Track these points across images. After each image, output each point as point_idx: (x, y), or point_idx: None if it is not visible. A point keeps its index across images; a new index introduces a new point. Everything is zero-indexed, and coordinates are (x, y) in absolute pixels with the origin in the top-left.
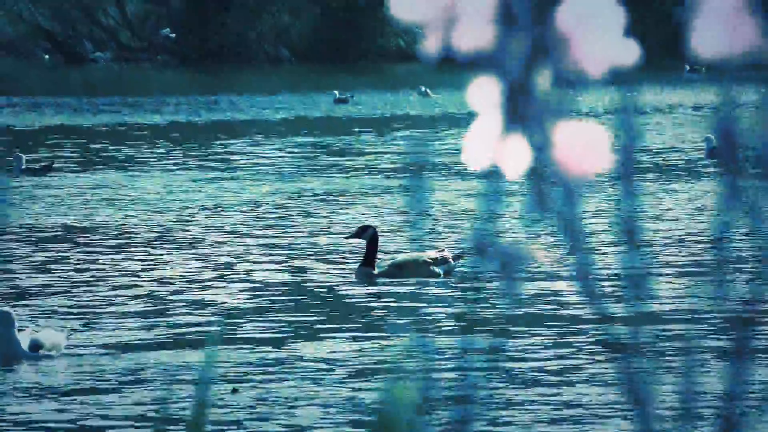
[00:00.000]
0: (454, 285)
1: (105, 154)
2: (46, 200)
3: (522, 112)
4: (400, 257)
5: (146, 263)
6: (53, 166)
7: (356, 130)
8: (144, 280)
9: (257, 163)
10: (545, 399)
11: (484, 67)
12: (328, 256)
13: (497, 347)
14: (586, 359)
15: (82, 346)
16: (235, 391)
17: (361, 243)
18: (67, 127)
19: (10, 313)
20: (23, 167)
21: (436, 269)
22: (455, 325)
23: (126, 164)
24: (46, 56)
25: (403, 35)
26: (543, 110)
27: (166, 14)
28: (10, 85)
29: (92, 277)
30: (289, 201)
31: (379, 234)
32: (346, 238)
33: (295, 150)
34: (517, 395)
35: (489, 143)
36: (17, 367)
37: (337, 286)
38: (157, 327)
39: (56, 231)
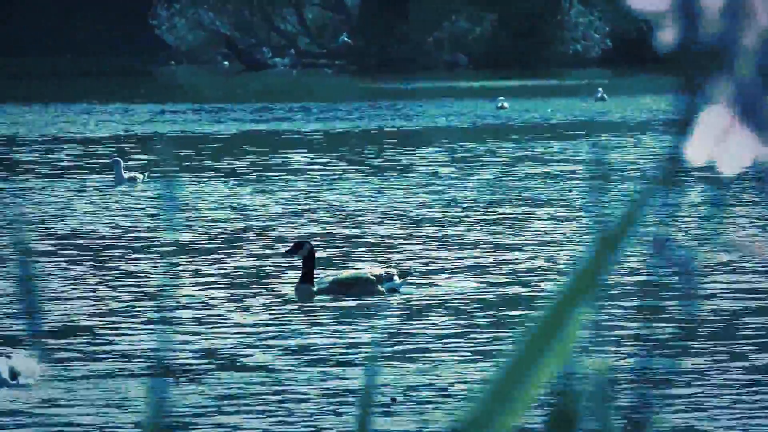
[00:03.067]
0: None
1: (263, 161)
2: (140, 208)
3: (753, 108)
4: (343, 273)
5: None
6: (151, 173)
7: (530, 137)
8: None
9: (424, 171)
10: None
11: (718, 58)
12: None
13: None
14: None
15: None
16: (394, 400)
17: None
18: (243, 134)
19: None
20: (124, 175)
21: (380, 287)
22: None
23: (280, 172)
24: (226, 63)
25: (580, 40)
26: None
27: (345, 20)
28: (190, 93)
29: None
30: (469, 213)
31: (315, 250)
32: (282, 255)
33: (460, 155)
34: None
35: (714, 137)
36: None
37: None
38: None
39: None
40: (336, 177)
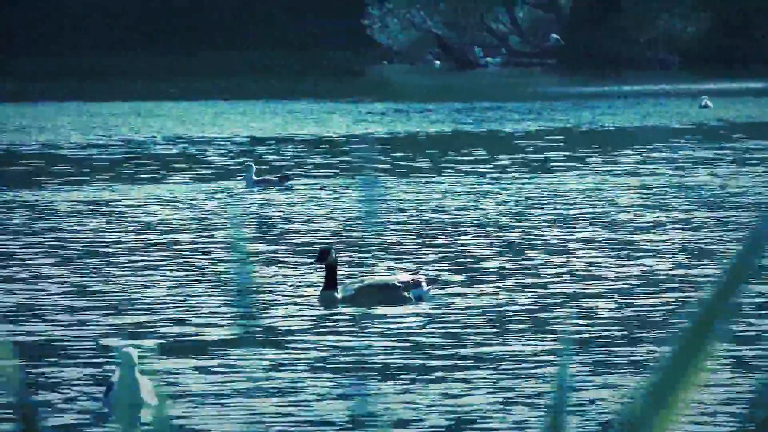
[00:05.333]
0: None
1: (471, 159)
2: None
3: None
4: (368, 280)
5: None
6: (290, 176)
7: (730, 136)
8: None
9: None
10: None
11: None
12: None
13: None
14: None
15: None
16: (592, 402)
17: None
18: (454, 133)
19: (132, 353)
20: (255, 178)
21: (407, 294)
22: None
23: (491, 170)
24: (437, 62)
25: None
26: None
27: (556, 20)
28: (401, 91)
29: None
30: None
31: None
32: (311, 263)
33: (657, 155)
34: None
35: None
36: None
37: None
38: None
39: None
40: (531, 175)
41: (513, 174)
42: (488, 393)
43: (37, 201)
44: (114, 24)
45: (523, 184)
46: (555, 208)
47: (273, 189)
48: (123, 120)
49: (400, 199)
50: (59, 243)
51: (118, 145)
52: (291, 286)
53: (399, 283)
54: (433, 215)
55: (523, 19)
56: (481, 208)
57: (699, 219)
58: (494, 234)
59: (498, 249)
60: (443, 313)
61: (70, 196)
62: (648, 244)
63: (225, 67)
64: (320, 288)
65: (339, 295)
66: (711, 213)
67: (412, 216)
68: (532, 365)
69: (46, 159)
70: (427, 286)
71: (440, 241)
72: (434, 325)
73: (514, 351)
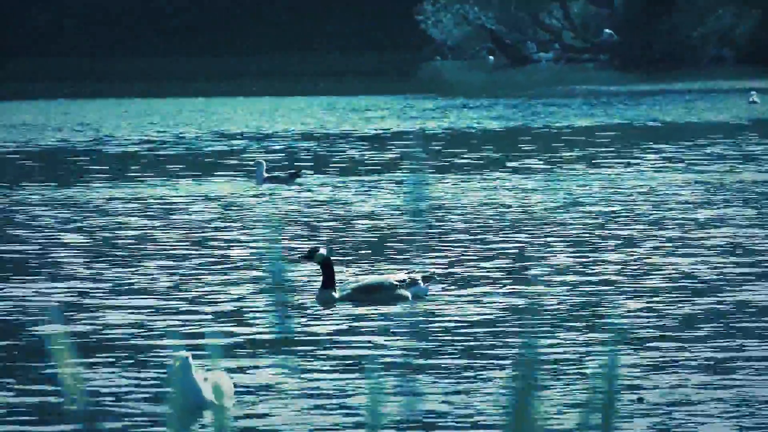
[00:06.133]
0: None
1: (525, 155)
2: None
3: None
4: (365, 279)
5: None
6: (300, 173)
7: None
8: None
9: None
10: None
11: None
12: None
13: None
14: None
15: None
16: (641, 400)
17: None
18: (507, 130)
19: (188, 357)
20: (265, 175)
21: (404, 292)
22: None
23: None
24: (491, 58)
25: None
26: None
27: (609, 15)
28: (455, 87)
29: None
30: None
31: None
32: (297, 261)
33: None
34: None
35: None
36: (199, 416)
37: None
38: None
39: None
40: (583, 171)
41: (566, 170)
42: (501, 391)
43: (81, 198)
44: (174, 27)
45: (575, 180)
46: (607, 205)
47: (281, 185)
48: (189, 117)
49: (450, 195)
50: (109, 240)
51: (172, 142)
52: (294, 284)
53: (396, 281)
54: (483, 210)
55: (577, 14)
56: (532, 204)
57: (745, 216)
58: (545, 229)
59: (547, 244)
60: (449, 311)
61: (113, 193)
62: (698, 241)
63: (283, 68)
64: (318, 287)
65: (336, 295)
66: (758, 210)
67: (458, 212)
68: (561, 362)
69: (93, 156)
70: (424, 283)
71: (490, 237)
72: (440, 323)
73: (555, 349)
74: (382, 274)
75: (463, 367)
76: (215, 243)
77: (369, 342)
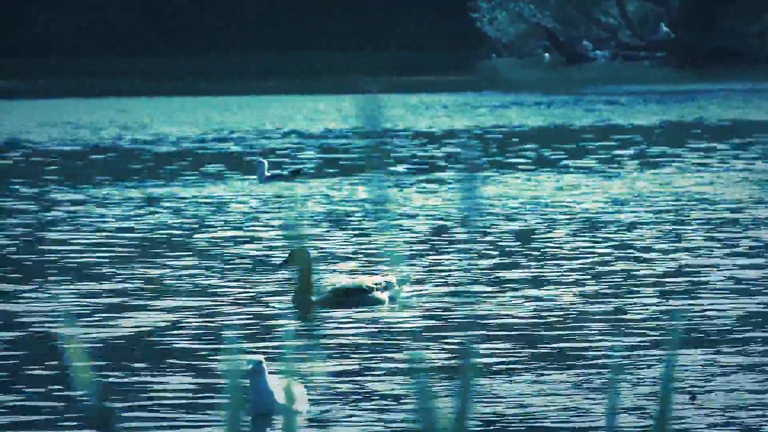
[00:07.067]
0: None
1: (584, 153)
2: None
3: None
4: (342, 282)
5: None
6: (300, 171)
7: None
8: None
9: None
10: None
11: None
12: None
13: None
14: None
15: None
16: (693, 398)
17: None
18: (553, 127)
19: (262, 361)
20: (267, 174)
21: (380, 295)
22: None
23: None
24: (546, 55)
25: None
26: None
27: (666, 12)
28: (511, 84)
29: None
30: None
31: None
32: (279, 265)
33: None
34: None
35: None
36: (271, 422)
37: None
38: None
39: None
40: (638, 169)
41: (622, 168)
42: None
43: (135, 195)
44: (218, 24)
45: (630, 177)
46: (659, 203)
47: (281, 182)
48: (228, 115)
49: (503, 194)
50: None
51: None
52: (261, 289)
53: (372, 284)
54: (534, 209)
55: (633, 12)
56: (587, 202)
57: None
58: (596, 228)
59: (597, 244)
60: (425, 314)
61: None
62: (756, 241)
63: (339, 66)
64: (294, 291)
65: (314, 298)
66: None
67: (507, 211)
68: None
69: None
70: (397, 286)
71: (533, 237)
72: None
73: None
74: (356, 276)
75: (528, 368)
76: (243, 243)
77: (428, 344)
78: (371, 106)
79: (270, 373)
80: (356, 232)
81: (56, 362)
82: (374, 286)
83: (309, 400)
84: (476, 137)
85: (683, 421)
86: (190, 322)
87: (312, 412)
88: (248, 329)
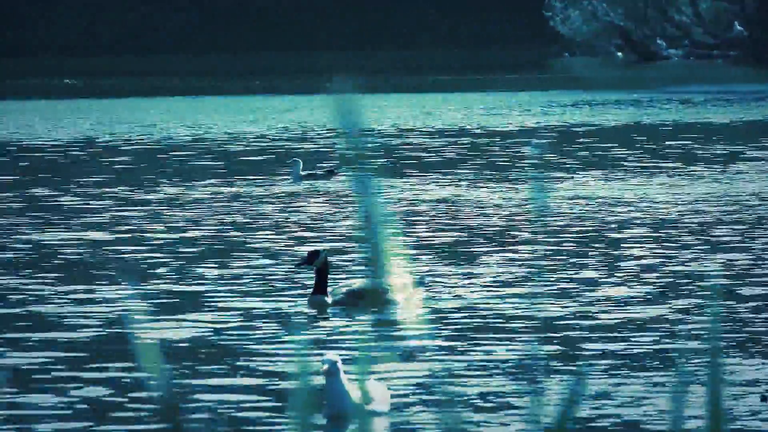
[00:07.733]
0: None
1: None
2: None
3: None
4: (357, 284)
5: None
6: (336, 171)
7: None
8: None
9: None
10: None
11: None
12: None
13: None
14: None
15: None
16: (765, 398)
17: None
18: (628, 126)
19: (337, 361)
20: (302, 173)
21: (395, 296)
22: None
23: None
24: (620, 54)
25: None
26: None
27: (740, 11)
28: (584, 83)
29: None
30: None
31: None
32: (296, 266)
33: None
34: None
35: None
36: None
37: None
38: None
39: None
40: (711, 168)
41: (698, 167)
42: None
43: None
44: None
45: (707, 177)
46: (735, 203)
47: (318, 182)
48: (280, 114)
49: (579, 195)
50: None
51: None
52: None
53: (387, 285)
54: (606, 208)
55: (707, 10)
56: (659, 202)
57: None
58: (673, 228)
59: (659, 245)
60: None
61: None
62: None
63: (422, 64)
64: (310, 292)
65: (329, 300)
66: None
67: (579, 211)
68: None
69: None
70: (413, 288)
71: (615, 233)
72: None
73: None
74: (370, 278)
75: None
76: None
77: (506, 342)
78: (441, 105)
79: (349, 374)
80: (390, 232)
81: (126, 363)
82: (389, 287)
83: (391, 402)
84: (549, 135)
85: (754, 418)
86: (255, 324)
87: (392, 413)
88: (311, 330)
